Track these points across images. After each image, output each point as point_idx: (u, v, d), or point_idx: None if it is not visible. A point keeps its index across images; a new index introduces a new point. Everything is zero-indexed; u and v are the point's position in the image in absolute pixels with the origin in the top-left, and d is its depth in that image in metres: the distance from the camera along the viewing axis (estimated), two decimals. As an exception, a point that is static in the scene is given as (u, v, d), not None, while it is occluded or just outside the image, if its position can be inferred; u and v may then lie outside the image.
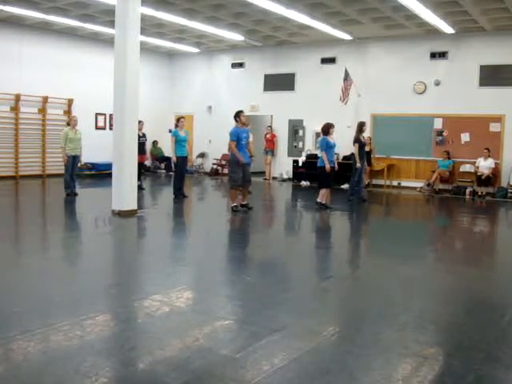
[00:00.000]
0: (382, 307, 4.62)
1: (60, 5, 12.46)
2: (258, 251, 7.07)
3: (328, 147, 10.29)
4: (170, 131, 18.99)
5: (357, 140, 11.65)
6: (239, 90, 17.78)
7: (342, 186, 14.52)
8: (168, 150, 18.07)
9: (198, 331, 3.83)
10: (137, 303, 4.54)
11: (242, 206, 9.89)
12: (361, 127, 11.81)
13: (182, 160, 11.57)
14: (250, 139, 10.33)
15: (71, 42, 15.72)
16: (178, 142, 11.43)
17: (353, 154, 11.89)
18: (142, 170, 13.38)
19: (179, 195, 11.56)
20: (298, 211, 12.24)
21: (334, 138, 10.58)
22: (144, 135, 13.28)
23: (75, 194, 11.29)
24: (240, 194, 9.96)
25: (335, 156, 11.04)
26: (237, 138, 9.52)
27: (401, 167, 15.12)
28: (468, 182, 13.87)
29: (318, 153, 14.74)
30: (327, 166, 10.12)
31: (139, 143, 12.33)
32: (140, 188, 12.69)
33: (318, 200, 10.42)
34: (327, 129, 10.44)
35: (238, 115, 9.75)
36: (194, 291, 5.06)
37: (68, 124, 11.51)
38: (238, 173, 9.59)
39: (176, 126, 11.75)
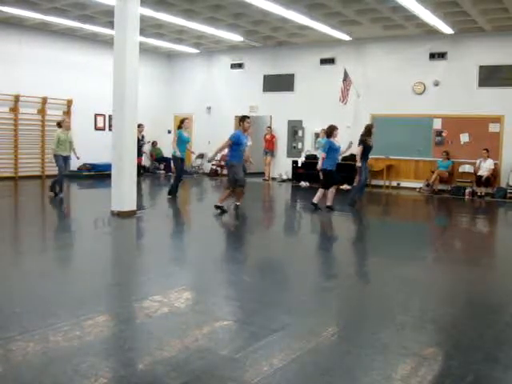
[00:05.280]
0: (382, 307, 4.62)
1: (59, 5, 12.47)
2: (258, 252, 7.07)
3: (332, 150, 10.26)
4: (170, 132, 19.06)
5: (362, 142, 11.60)
6: (238, 91, 17.79)
7: (341, 187, 14.51)
8: (167, 150, 18.17)
9: (197, 331, 3.83)
10: (136, 304, 4.54)
11: (217, 207, 9.79)
12: (369, 130, 11.74)
13: (183, 160, 11.66)
14: (249, 143, 10.39)
15: (70, 42, 15.73)
16: (182, 143, 11.46)
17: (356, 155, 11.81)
18: (142, 171, 13.44)
19: (174, 194, 11.63)
20: (297, 212, 12.24)
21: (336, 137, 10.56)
22: (143, 138, 13.30)
23: (56, 195, 11.21)
24: (233, 194, 9.99)
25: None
26: (236, 141, 9.50)
27: (400, 168, 15.13)
28: (467, 183, 13.88)
29: (318, 153, 14.83)
30: (318, 166, 10.37)
31: (138, 146, 12.41)
32: None
33: (328, 204, 10.28)
34: (331, 131, 10.38)
35: (242, 120, 9.74)
36: (193, 292, 5.06)
37: (59, 125, 11.38)
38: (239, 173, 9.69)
39: (180, 127, 11.70)
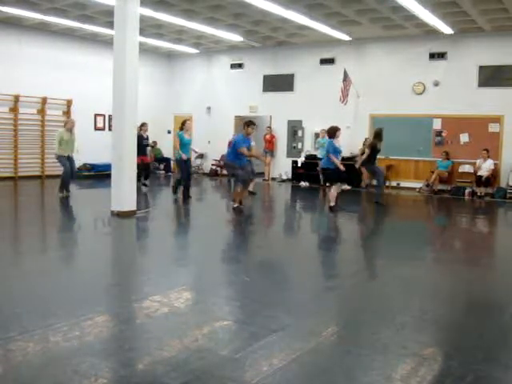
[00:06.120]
0: (382, 307, 4.62)
1: (59, 6, 12.45)
2: (258, 252, 7.07)
3: (334, 152, 10.27)
4: (169, 132, 19.07)
5: (372, 146, 11.63)
6: (238, 91, 17.79)
7: (342, 188, 14.50)
8: (167, 150, 18.18)
9: (197, 332, 3.83)
10: (136, 304, 4.54)
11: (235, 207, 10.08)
12: (380, 134, 11.75)
13: (187, 162, 11.62)
14: (253, 143, 10.60)
15: (70, 42, 15.71)
16: (184, 144, 11.43)
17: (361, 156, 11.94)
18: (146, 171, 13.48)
19: (187, 196, 11.53)
20: (297, 212, 12.23)
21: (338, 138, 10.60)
22: (148, 137, 13.30)
23: (67, 195, 11.32)
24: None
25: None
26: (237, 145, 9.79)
27: (400, 168, 15.13)
28: (467, 183, 13.88)
29: (318, 153, 14.84)
30: (341, 167, 10.17)
31: (143, 145, 12.44)
32: (145, 185, 12.81)
33: (331, 204, 10.25)
34: (334, 132, 10.34)
35: (248, 125, 9.89)
36: (193, 292, 5.06)
37: (64, 125, 11.49)
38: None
39: (181, 128, 11.64)
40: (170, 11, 12.58)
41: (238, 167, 9.79)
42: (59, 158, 11.17)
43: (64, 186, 11.24)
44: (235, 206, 9.94)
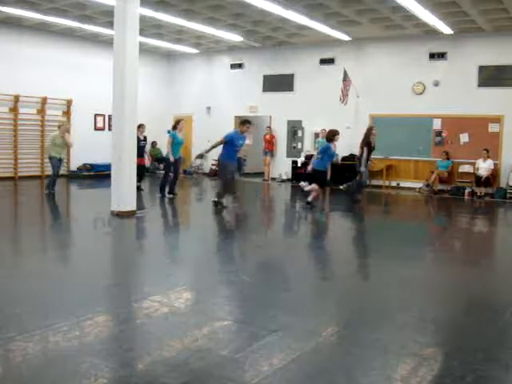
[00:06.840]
0: (382, 307, 4.62)
1: (59, 5, 12.46)
2: (258, 251, 7.07)
3: (327, 154, 10.47)
4: (169, 132, 19.05)
5: (367, 144, 11.65)
6: (238, 91, 17.78)
7: (341, 187, 14.51)
8: (166, 150, 18.15)
9: (196, 332, 3.83)
10: (136, 304, 4.54)
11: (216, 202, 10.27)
12: (370, 131, 11.79)
13: (178, 161, 11.69)
14: (247, 142, 10.64)
15: (70, 42, 15.72)
16: (176, 144, 11.49)
17: (360, 157, 11.93)
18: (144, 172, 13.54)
19: (174, 194, 11.65)
20: (296, 212, 12.22)
21: (336, 142, 10.74)
22: (145, 138, 13.33)
23: (53, 194, 11.65)
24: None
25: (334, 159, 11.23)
26: (229, 140, 9.83)
27: (400, 168, 15.13)
28: (467, 183, 13.88)
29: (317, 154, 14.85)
30: (309, 168, 10.59)
31: (139, 146, 12.46)
32: (139, 189, 12.79)
33: (310, 199, 10.62)
34: (333, 135, 10.53)
35: (243, 123, 10.01)
36: (192, 292, 5.06)
37: (59, 127, 11.84)
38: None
39: (174, 127, 11.71)
40: (170, 11, 12.58)
41: (230, 169, 9.92)
42: (51, 158, 11.63)
43: (51, 185, 11.63)
44: (215, 199, 10.12)
